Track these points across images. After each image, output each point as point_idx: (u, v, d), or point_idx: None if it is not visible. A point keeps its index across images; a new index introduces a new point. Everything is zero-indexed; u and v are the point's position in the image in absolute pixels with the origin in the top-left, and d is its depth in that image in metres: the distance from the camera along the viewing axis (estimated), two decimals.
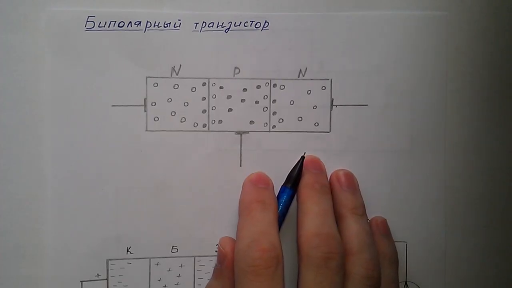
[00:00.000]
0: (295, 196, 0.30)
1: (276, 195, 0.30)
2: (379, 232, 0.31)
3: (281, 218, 0.30)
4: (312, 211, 0.29)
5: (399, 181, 0.32)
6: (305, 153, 0.31)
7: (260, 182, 0.30)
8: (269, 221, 0.29)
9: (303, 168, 0.30)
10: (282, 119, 0.32)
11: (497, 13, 0.32)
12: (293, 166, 0.30)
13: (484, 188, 0.33)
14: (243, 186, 0.31)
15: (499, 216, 0.33)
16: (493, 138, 0.33)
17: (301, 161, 0.30)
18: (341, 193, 0.30)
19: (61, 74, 0.30)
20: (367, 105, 0.32)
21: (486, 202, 0.33)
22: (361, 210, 0.30)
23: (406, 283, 0.33)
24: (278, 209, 0.30)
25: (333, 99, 0.32)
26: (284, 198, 0.30)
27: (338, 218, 0.30)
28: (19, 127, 0.30)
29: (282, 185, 0.31)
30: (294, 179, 0.30)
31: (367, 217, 0.31)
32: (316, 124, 0.32)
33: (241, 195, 0.31)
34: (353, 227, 0.29)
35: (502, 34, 0.32)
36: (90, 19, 0.30)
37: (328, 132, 0.32)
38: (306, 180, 0.30)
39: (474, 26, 0.32)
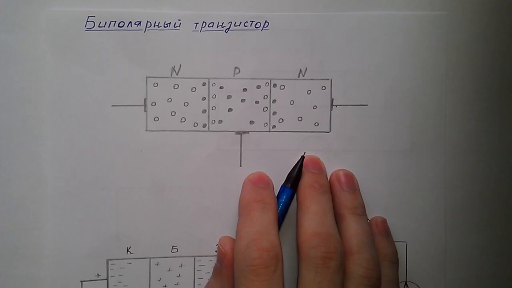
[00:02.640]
0: (295, 196, 0.30)
1: (276, 195, 0.30)
2: (379, 232, 0.31)
3: (281, 218, 0.30)
4: (312, 210, 0.29)
5: (399, 181, 0.32)
6: (305, 153, 0.31)
7: (260, 182, 0.30)
8: (268, 221, 0.29)
9: (303, 168, 0.30)
10: (282, 119, 0.32)
11: (497, 13, 0.32)
12: (293, 166, 0.30)
13: (484, 188, 0.33)
14: (243, 186, 0.31)
15: (499, 216, 0.33)
16: (493, 138, 0.33)
17: (301, 161, 0.30)
18: (341, 193, 0.30)
19: (61, 74, 0.30)
20: (367, 105, 0.32)
21: (486, 202, 0.33)
22: (360, 210, 0.30)
23: (406, 283, 0.33)
24: (278, 209, 0.30)
25: (333, 99, 0.32)
26: (284, 198, 0.30)
27: (338, 218, 0.30)
28: (19, 127, 0.30)
29: (282, 185, 0.31)
30: (294, 179, 0.30)
31: (367, 217, 0.31)
32: (316, 124, 0.32)
33: (241, 195, 0.31)
34: (352, 227, 0.29)
35: (502, 34, 0.32)
36: (90, 19, 0.30)
37: (328, 132, 0.32)
38: (306, 180, 0.30)
39: (474, 26, 0.32)
